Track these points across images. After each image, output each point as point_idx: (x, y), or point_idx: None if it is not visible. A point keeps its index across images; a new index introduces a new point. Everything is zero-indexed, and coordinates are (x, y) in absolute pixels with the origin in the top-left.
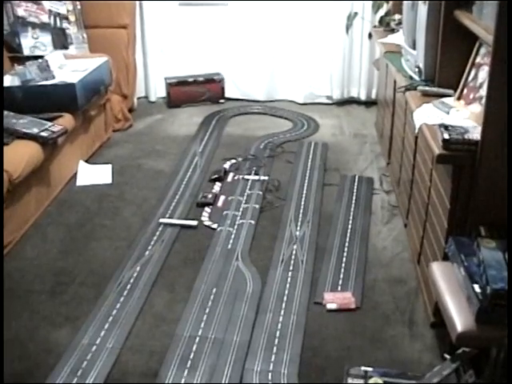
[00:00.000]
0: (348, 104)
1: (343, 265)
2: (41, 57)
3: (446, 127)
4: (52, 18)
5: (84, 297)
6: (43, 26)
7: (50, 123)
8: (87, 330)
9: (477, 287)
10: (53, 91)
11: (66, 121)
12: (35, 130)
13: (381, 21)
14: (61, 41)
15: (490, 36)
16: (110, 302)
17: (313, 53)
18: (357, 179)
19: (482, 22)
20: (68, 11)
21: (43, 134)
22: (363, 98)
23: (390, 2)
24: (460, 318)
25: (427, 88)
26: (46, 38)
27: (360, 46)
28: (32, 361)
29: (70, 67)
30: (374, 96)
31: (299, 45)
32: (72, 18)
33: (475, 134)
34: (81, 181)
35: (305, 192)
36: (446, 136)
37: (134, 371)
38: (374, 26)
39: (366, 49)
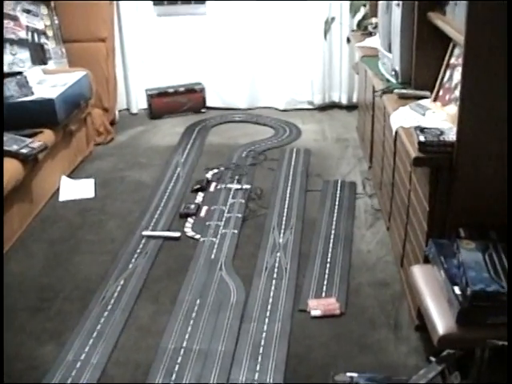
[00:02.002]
0: (330, 109)
1: (327, 270)
2: (19, 73)
3: (422, 129)
4: (30, 33)
5: (68, 312)
6: (21, 42)
7: (29, 140)
8: (72, 345)
9: (457, 289)
10: (32, 107)
11: (46, 136)
12: (15, 147)
13: (358, 25)
14: (39, 56)
15: (462, 37)
16: (95, 316)
17: (293, 59)
18: (339, 184)
19: (454, 23)
20: (46, 26)
21: (23, 150)
22: (344, 102)
23: (367, 6)
24: (441, 321)
25: (404, 91)
26: (25, 54)
27: (339, 51)
28: (17, 378)
29: (50, 82)
30: (355, 100)
31: (279, 52)
32: (50, 32)
33: (451, 135)
34: (63, 196)
35: (287, 199)
36: (422, 138)
37: None
38: (352, 30)
39: (345, 53)
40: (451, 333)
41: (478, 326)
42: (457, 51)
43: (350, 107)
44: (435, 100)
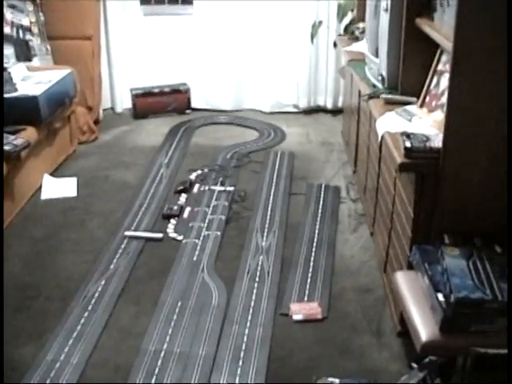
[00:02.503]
0: (315, 112)
1: (310, 275)
2: (4, 69)
3: (408, 135)
4: (15, 29)
5: (49, 312)
6: (6, 38)
7: (12, 136)
8: (51, 345)
9: (440, 296)
10: (15, 104)
11: (30, 134)
12: None
13: (345, 29)
14: (24, 53)
15: (449, 43)
16: (75, 316)
17: (279, 62)
18: (323, 188)
19: (442, 30)
20: (31, 23)
21: (6, 147)
22: (330, 106)
23: (355, 11)
24: (424, 328)
25: (390, 96)
26: (9, 50)
27: (326, 55)
28: None
29: (34, 79)
30: (340, 104)
31: (265, 54)
32: (35, 29)
33: (437, 141)
34: (46, 194)
35: (271, 202)
36: (408, 144)
37: None
38: (339, 35)
39: (331, 57)
40: (434, 340)
41: (462, 334)
42: (444, 58)
43: (335, 111)
44: (422, 106)
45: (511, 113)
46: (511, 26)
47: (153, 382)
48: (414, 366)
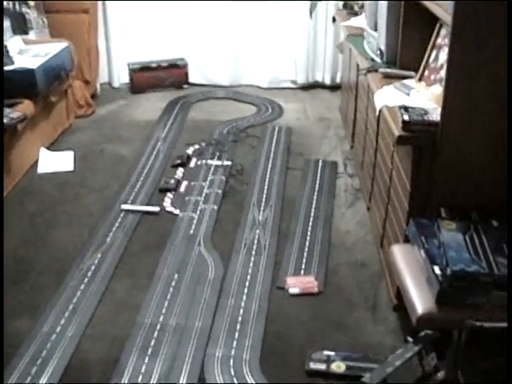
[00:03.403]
0: (313, 88)
1: (306, 249)
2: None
3: (406, 109)
4: (11, 2)
5: (44, 285)
6: None
7: (8, 110)
8: (47, 318)
9: (437, 269)
10: (12, 77)
11: (26, 107)
12: None
13: (344, 4)
14: (20, 26)
15: (449, 17)
16: (71, 289)
17: (277, 37)
18: (321, 163)
19: (442, 3)
20: None
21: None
22: (328, 82)
23: None
24: (420, 301)
25: (388, 70)
26: (5, 23)
27: (324, 30)
28: None
29: (30, 52)
30: (338, 80)
31: (263, 29)
32: (31, 2)
33: (435, 115)
34: (42, 168)
35: (268, 176)
36: (406, 117)
37: (94, 359)
38: (338, 10)
39: (330, 33)
40: (430, 312)
41: (457, 307)
42: (443, 31)
43: (333, 87)
44: (420, 80)
45: (511, 110)
46: (511, 21)
47: (149, 353)
48: (410, 339)
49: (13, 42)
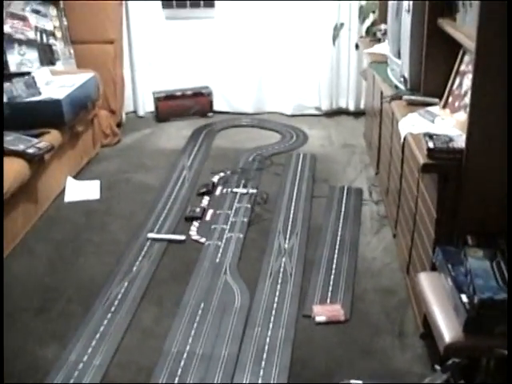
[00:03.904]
0: (337, 115)
1: (332, 276)
2: (27, 73)
3: (431, 136)
4: (38, 34)
5: (71, 313)
6: (30, 43)
7: (36, 140)
8: (75, 346)
9: (464, 297)
10: (39, 107)
11: (53, 137)
12: (21, 147)
13: (367, 31)
14: (47, 57)
15: (472, 43)
16: (98, 318)
17: (300, 64)
18: (346, 190)
19: (465, 30)
20: (54, 27)
21: (29, 150)
22: (352, 108)
23: (376, 12)
24: (448, 329)
25: (412, 97)
26: (33, 55)
27: (347, 57)
28: (19, 378)
29: (57, 83)
30: (362, 106)
31: (287, 56)
32: (58, 33)
33: (460, 142)
34: (69, 197)
35: (293, 204)
36: (431, 145)
37: None
38: (361, 37)
39: (353, 59)
40: (458, 341)
41: (485, 335)
42: (467, 58)
43: (357, 113)
44: (444, 107)
45: (511, 113)
46: (511, 25)
47: (176, 382)
48: (437, 367)
49: (40, 73)
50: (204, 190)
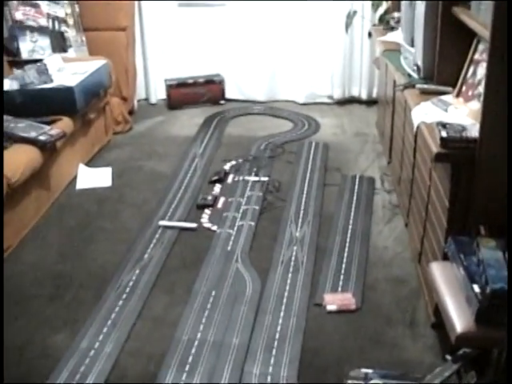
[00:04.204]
0: (349, 103)
1: (343, 265)
2: (39, 60)
3: (444, 125)
4: (50, 21)
5: (83, 300)
6: (41, 30)
7: (48, 127)
8: (85, 333)
9: (476, 287)
10: (51, 95)
11: (65, 124)
12: (33, 134)
13: (380, 19)
14: (59, 44)
15: (487, 32)
16: (109, 305)
17: (313, 52)
18: (358, 179)
19: (479, 18)
20: (66, 14)
21: (41, 137)
22: (364, 97)
23: (390, 0)
24: (459, 319)
25: (426, 86)
26: (45, 42)
27: (360, 45)
28: (29, 365)
29: (69, 70)
30: (375, 95)
31: (299, 45)
32: (70, 20)
33: (473, 131)
34: (81, 184)
35: (305, 192)
36: (444, 134)
37: (132, 375)
38: (374, 25)
39: (366, 47)
40: (469, 331)
41: (497, 326)
42: (481, 47)
43: (370, 102)
44: (458, 96)
45: (511, 112)
46: (511, 21)
47: (186, 370)
48: (448, 357)
49: (52, 60)
50: (216, 177)
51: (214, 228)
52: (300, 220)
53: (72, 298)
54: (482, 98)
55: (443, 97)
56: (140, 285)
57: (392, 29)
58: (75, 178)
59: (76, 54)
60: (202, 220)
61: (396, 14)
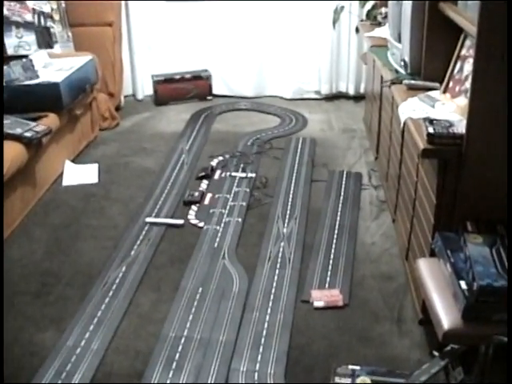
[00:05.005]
0: (337, 99)
1: (331, 261)
2: (25, 56)
3: (431, 121)
4: (36, 16)
5: (69, 298)
6: (27, 25)
7: (34, 123)
8: (72, 331)
9: (463, 284)
10: (37, 91)
11: (51, 120)
12: (19, 131)
13: (368, 15)
14: (45, 40)
15: (474, 28)
16: (96, 302)
17: (300, 48)
18: (345, 174)
19: (466, 14)
20: (52, 9)
21: (27, 134)
22: (352, 92)
23: None
24: (446, 316)
25: (413, 81)
26: (30, 37)
27: (348, 41)
28: (16, 363)
29: (55, 66)
30: (362, 90)
31: (287, 40)
32: (56, 16)
33: (460, 127)
34: (67, 181)
35: (292, 188)
36: (431, 130)
37: (119, 372)
38: (361, 20)
39: (353, 43)
40: (456, 328)
41: (484, 322)
42: (468, 42)
43: (357, 98)
44: (445, 92)
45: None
46: (511, 21)
47: (173, 367)
48: (436, 354)
49: (38, 56)
50: (203, 173)
51: (201, 224)
52: (287, 216)
53: (58, 295)
54: (468, 94)
55: (430, 93)
56: (126, 282)
57: (379, 24)
58: (61, 174)
59: (62, 49)
60: (189, 216)
61: (383, 10)
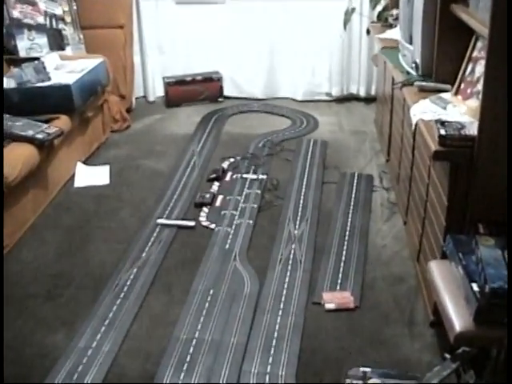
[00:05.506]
0: (347, 101)
1: (342, 264)
2: (37, 58)
3: (443, 123)
4: (48, 19)
5: (80, 300)
6: (39, 28)
7: (45, 125)
8: (83, 333)
9: (475, 286)
10: (49, 93)
11: (63, 122)
12: (30, 133)
13: (379, 16)
14: (57, 42)
15: (486, 29)
16: (107, 304)
17: (311, 50)
18: (356, 176)
19: (478, 16)
20: (64, 12)
21: (39, 136)
22: (363, 94)
23: None
24: (458, 318)
25: (424, 83)
26: (42, 40)
27: (359, 42)
28: (27, 365)
29: (67, 68)
30: (373, 92)
31: (298, 42)
32: (68, 18)
33: (472, 129)
34: (78, 182)
35: (304, 190)
36: (443, 132)
37: (130, 374)
38: (372, 22)
39: (364, 45)
40: (468, 330)
41: (496, 325)
42: (479, 44)
43: (368, 99)
44: (456, 93)
45: (511, 111)
46: (511, 21)
47: (184, 369)
48: (447, 356)
49: (50, 58)
50: (214, 175)
51: (212, 226)
52: (298, 218)
53: (70, 297)
54: (480, 96)
55: (442, 94)
56: (138, 284)
57: (390, 26)
58: (73, 176)
59: (73, 51)
60: (200, 218)
61: (395, 11)
